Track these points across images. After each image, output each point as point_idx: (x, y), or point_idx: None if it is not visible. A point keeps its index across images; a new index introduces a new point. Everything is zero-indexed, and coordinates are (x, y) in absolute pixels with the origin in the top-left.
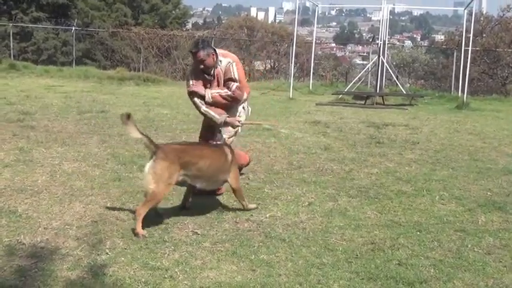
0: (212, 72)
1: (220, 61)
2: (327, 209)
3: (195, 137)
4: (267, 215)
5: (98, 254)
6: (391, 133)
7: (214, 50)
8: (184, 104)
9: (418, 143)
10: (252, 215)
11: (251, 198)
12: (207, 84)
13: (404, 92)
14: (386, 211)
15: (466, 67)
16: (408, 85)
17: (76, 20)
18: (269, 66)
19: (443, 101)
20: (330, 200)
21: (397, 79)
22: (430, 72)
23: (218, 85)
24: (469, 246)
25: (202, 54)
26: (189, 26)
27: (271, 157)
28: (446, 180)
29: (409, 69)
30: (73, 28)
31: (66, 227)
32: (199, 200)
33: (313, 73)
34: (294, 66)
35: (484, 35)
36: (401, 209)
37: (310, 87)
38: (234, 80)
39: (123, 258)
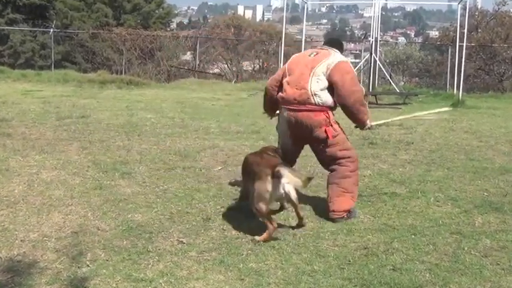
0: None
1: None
2: (318, 213)
3: (180, 142)
4: (256, 222)
5: (78, 267)
6: (385, 133)
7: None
8: (169, 107)
9: (413, 143)
10: (240, 222)
11: (239, 205)
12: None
13: (398, 91)
14: (379, 214)
15: (461, 63)
16: (402, 83)
17: (54, 22)
18: (257, 66)
19: (438, 99)
20: (321, 204)
21: (390, 77)
22: (425, 69)
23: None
24: (466, 249)
25: None
26: (174, 25)
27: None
28: (442, 181)
29: (403, 67)
30: (51, 30)
31: (45, 238)
32: (184, 208)
33: None
34: None
35: (479, 30)
36: (395, 212)
37: None
38: None
39: (104, 271)
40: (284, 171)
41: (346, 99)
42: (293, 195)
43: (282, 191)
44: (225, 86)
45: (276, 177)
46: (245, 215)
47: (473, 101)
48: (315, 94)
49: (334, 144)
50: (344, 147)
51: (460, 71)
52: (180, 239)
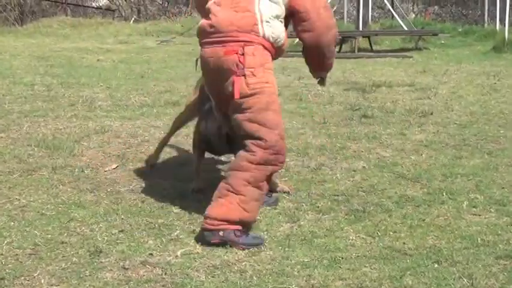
0: None
1: None
2: (280, 235)
3: (46, 125)
4: (178, 253)
5: None
6: (386, 99)
7: None
8: (24, 67)
9: (432, 113)
10: (151, 254)
11: (146, 225)
12: None
13: (406, 29)
14: (381, 232)
15: None
16: (413, 16)
17: None
18: None
19: (472, 40)
20: (285, 219)
21: (392, 7)
22: None
23: None
24: None
25: None
26: None
27: (184, 149)
28: (480, 175)
29: None
30: None
31: None
32: (57, 235)
33: None
34: None
35: None
36: (406, 227)
37: None
38: None
39: None
40: None
41: (321, 37)
42: None
43: None
44: (119, 28)
45: None
46: (160, 241)
47: None
48: (266, 21)
49: (243, 110)
50: (257, 119)
51: None
52: None
